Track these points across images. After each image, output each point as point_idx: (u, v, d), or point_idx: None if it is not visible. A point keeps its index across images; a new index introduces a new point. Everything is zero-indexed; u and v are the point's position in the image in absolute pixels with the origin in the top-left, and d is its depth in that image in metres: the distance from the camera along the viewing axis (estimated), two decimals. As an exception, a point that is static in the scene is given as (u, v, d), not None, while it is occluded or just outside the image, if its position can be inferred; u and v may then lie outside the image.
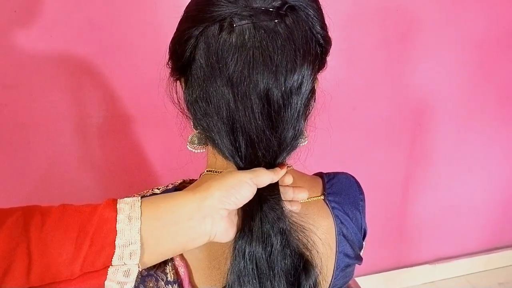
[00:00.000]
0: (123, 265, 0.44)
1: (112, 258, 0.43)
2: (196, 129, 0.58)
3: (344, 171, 0.69)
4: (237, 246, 0.50)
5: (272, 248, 0.50)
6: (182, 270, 0.56)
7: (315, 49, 0.52)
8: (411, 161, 1.74)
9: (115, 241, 0.43)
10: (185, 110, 0.56)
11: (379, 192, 1.73)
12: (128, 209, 0.44)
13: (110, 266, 0.43)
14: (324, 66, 0.57)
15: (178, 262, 0.56)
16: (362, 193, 0.67)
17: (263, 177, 0.50)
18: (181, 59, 0.52)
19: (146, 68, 1.26)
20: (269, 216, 0.51)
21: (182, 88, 0.56)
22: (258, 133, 0.50)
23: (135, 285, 0.56)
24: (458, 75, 1.63)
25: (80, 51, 1.22)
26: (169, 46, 0.55)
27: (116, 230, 0.43)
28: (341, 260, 0.62)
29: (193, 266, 0.57)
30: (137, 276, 0.56)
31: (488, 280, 2.01)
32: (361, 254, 0.67)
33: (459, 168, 1.82)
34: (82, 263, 0.42)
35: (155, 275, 0.56)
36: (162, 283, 0.56)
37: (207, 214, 0.47)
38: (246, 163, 0.53)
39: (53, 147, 1.30)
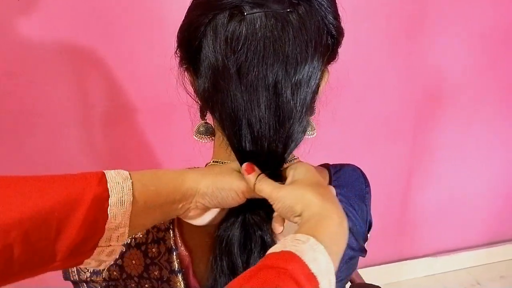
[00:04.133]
0: (108, 246, 0.44)
1: (99, 240, 0.43)
2: (203, 119, 0.57)
3: (350, 163, 0.68)
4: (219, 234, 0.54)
5: (251, 254, 0.52)
6: (187, 260, 0.56)
7: (327, 40, 0.51)
8: (414, 154, 1.74)
9: (105, 224, 0.42)
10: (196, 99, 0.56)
11: (382, 185, 1.73)
12: (120, 191, 0.43)
13: (97, 247, 0.43)
14: (335, 58, 0.56)
15: (183, 251, 0.56)
16: (368, 185, 0.67)
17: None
18: (190, 48, 0.51)
19: (150, 57, 1.26)
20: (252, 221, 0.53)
21: (189, 77, 0.56)
22: (263, 125, 0.50)
23: (139, 273, 0.57)
24: (462, 68, 1.62)
25: (83, 40, 1.22)
26: (177, 34, 0.54)
27: (108, 214, 0.42)
28: (345, 252, 0.61)
29: (196, 255, 0.57)
30: (140, 264, 0.57)
31: (490, 274, 2.01)
32: (365, 246, 0.67)
33: (461, 161, 1.82)
34: (71, 245, 0.41)
35: (159, 263, 0.56)
36: (166, 272, 0.56)
37: (186, 202, 0.49)
38: (250, 155, 0.52)
39: (56, 136, 1.30)
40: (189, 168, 0.55)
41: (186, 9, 0.54)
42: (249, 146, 0.51)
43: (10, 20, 1.15)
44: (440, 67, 1.59)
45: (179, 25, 0.54)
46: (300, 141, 0.54)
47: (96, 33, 1.22)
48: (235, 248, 0.52)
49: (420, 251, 1.97)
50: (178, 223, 0.57)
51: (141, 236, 0.56)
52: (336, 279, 0.61)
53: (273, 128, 0.50)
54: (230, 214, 0.54)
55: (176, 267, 0.55)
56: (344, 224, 0.46)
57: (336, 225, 0.44)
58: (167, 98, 1.30)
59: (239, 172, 0.51)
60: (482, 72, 1.65)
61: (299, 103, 0.50)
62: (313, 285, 0.37)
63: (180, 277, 0.56)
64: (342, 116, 1.53)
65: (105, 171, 0.44)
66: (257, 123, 0.49)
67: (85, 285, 0.59)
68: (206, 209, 0.51)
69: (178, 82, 0.57)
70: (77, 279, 0.58)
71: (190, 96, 0.57)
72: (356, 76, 1.47)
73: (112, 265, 0.56)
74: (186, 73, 0.56)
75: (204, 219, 0.53)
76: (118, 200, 0.43)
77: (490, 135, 1.81)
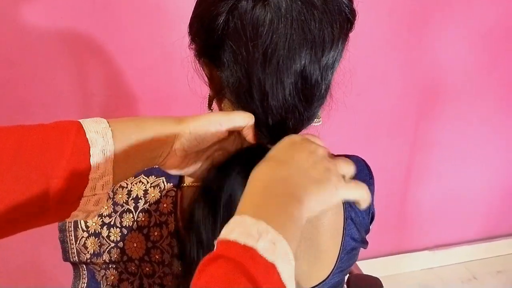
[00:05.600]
0: (94, 195, 0.43)
1: (84, 190, 0.42)
2: (210, 109, 0.57)
3: (355, 154, 0.68)
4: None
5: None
6: (188, 245, 0.56)
7: (345, 23, 0.51)
8: (414, 149, 1.73)
9: (88, 175, 0.41)
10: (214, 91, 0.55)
11: (381, 178, 1.70)
12: (101, 141, 0.42)
13: (82, 197, 0.42)
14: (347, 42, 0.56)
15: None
16: (372, 177, 0.66)
17: (236, 120, 0.48)
18: (208, 38, 0.50)
19: (151, 47, 1.25)
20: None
21: (205, 68, 0.55)
22: (288, 107, 0.49)
23: (140, 256, 0.57)
24: (463, 64, 1.61)
25: (84, 28, 1.21)
26: (191, 25, 0.52)
27: (90, 165, 0.41)
28: (347, 243, 0.62)
29: None
30: (142, 247, 0.56)
31: (487, 268, 2.02)
32: (366, 238, 0.67)
33: (460, 157, 1.82)
34: (57, 196, 0.39)
35: (160, 247, 0.56)
36: (168, 256, 0.56)
37: (166, 148, 0.47)
38: (273, 138, 0.52)
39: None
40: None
41: (188, -1, 0.52)
42: (275, 129, 0.51)
43: (10, 8, 1.13)
44: (441, 63, 1.58)
45: (183, 15, 0.52)
46: (312, 121, 0.55)
47: (97, 23, 1.20)
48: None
49: (418, 245, 1.98)
50: (181, 207, 0.56)
51: (143, 219, 0.56)
52: (337, 269, 0.62)
53: (300, 109, 0.50)
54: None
55: (177, 251, 0.55)
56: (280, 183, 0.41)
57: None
58: (168, 89, 1.31)
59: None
60: (482, 69, 1.65)
61: (324, 85, 0.50)
62: (270, 274, 0.34)
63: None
64: (343, 109, 1.52)
65: (80, 121, 0.42)
66: (283, 105, 0.49)
67: (84, 267, 0.59)
68: (185, 157, 0.49)
69: (195, 73, 0.56)
70: (77, 260, 0.58)
71: (209, 86, 0.56)
72: (357, 70, 1.46)
73: (113, 247, 0.56)
74: (200, 64, 0.55)
75: (183, 170, 0.51)
76: (100, 151, 0.41)
77: (490, 131, 1.81)
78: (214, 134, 0.48)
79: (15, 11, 1.14)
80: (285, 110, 0.49)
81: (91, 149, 0.41)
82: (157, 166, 0.50)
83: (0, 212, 0.37)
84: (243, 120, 0.49)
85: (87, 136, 0.41)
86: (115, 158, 0.43)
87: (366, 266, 1.86)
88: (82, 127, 0.41)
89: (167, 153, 0.48)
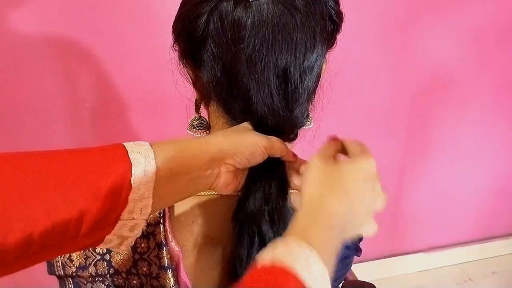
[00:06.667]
0: (131, 219, 0.41)
1: (122, 212, 0.40)
2: (198, 113, 0.56)
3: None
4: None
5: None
6: (178, 256, 0.55)
7: (328, 26, 0.50)
8: (407, 150, 1.74)
9: (129, 196, 0.40)
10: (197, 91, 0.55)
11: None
12: (143, 161, 0.41)
13: (119, 221, 0.41)
14: (334, 45, 0.55)
15: (173, 246, 0.55)
16: None
17: (276, 149, 0.49)
18: (190, 39, 0.49)
19: (139, 51, 1.25)
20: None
21: (188, 70, 0.54)
22: (273, 112, 0.49)
23: (127, 268, 0.55)
24: (455, 65, 1.62)
25: (72, 33, 1.19)
26: (174, 26, 0.52)
27: (131, 185, 0.40)
28: (340, 251, 0.60)
29: (187, 251, 0.55)
30: (128, 259, 0.55)
31: (482, 269, 2.02)
32: (359, 245, 0.66)
33: (454, 158, 1.82)
34: (94, 219, 0.38)
35: (148, 259, 0.54)
36: (156, 267, 0.54)
37: (215, 167, 0.46)
38: None
39: (45, 131, 1.28)
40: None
41: (178, 1, 0.52)
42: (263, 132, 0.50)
43: (-2, 13, 1.13)
44: (432, 63, 1.59)
45: (172, 18, 0.52)
46: (303, 125, 0.54)
47: (86, 26, 1.20)
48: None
49: (413, 247, 1.98)
50: (169, 217, 0.55)
51: None
52: (331, 279, 0.60)
53: (282, 113, 0.49)
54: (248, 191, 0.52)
55: (166, 263, 0.54)
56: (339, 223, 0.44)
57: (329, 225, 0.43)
58: (158, 93, 1.30)
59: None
60: (473, 69, 1.65)
61: (305, 89, 0.49)
62: None
63: (169, 273, 0.54)
64: (334, 111, 1.52)
65: (123, 143, 0.42)
66: (269, 111, 0.49)
67: (70, 280, 0.57)
68: (235, 172, 0.49)
69: (180, 75, 0.55)
70: (62, 273, 0.56)
71: (194, 88, 0.56)
72: (347, 70, 1.46)
73: (99, 259, 0.55)
74: (184, 65, 0.54)
75: (237, 187, 0.51)
76: (142, 170, 0.41)
77: (483, 132, 1.81)
78: (260, 154, 0.48)
79: (3, 16, 1.13)
80: (271, 113, 0.49)
81: (133, 168, 0.40)
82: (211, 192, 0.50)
83: (34, 237, 0.35)
84: (281, 151, 0.50)
85: (130, 156, 0.41)
86: (157, 178, 0.42)
87: (360, 269, 1.85)
88: (125, 147, 0.41)
89: (217, 173, 0.46)
